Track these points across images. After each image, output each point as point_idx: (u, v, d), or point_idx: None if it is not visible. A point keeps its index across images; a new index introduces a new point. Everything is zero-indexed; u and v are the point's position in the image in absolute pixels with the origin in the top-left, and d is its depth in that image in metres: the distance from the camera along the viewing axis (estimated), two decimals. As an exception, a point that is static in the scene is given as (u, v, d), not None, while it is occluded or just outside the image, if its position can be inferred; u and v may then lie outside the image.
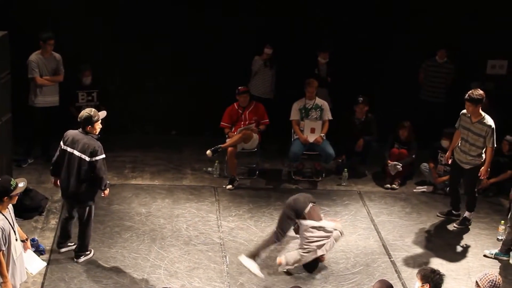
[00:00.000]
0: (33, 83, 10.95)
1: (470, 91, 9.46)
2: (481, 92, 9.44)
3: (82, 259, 8.71)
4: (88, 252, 8.80)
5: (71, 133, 8.48)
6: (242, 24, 12.35)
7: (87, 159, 8.26)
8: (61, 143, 8.50)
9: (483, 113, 9.54)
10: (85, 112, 8.41)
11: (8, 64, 9.72)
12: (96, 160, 8.28)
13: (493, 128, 9.48)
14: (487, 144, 9.54)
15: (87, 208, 8.60)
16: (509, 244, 9.27)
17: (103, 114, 8.56)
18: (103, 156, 8.36)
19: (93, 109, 8.50)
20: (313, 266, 8.90)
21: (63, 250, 8.88)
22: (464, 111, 9.68)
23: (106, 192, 8.63)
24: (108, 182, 8.58)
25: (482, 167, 9.66)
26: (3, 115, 9.60)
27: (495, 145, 9.62)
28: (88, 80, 11.68)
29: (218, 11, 12.27)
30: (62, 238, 8.93)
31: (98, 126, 8.42)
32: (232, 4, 12.28)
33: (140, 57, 12.31)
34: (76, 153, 8.32)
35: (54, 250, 8.91)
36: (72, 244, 8.91)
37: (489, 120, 9.52)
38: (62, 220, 9.02)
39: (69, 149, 8.38)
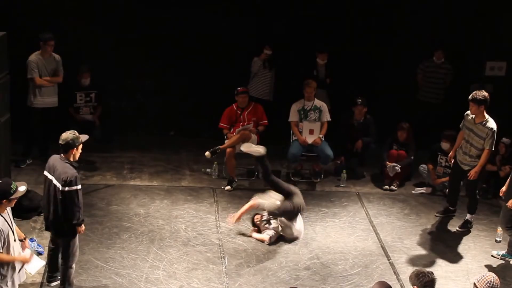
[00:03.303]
0: (32, 83, 10.96)
1: (474, 92, 9.50)
2: (485, 93, 9.46)
3: None
4: None
5: (53, 158, 7.83)
6: (241, 25, 12.35)
7: (61, 188, 7.58)
8: (46, 167, 7.89)
9: (487, 116, 9.56)
10: (68, 134, 7.72)
11: (7, 65, 9.72)
12: (69, 191, 7.56)
13: (494, 131, 9.51)
14: (485, 146, 9.57)
15: (67, 242, 7.85)
16: None
17: (84, 137, 7.92)
18: (78, 187, 7.61)
19: (76, 132, 7.79)
20: None
21: (53, 284, 8.18)
22: (469, 111, 9.71)
23: (81, 229, 7.80)
24: (82, 218, 7.76)
25: (475, 168, 9.70)
26: (2, 115, 9.59)
27: (493, 149, 9.65)
28: (87, 81, 11.68)
29: (218, 12, 12.28)
30: (50, 271, 8.21)
31: (80, 150, 7.79)
32: (232, 5, 12.29)
33: (139, 57, 12.31)
34: (54, 181, 7.70)
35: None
36: None
37: (491, 123, 9.55)
38: (48, 252, 8.24)
39: (49, 176, 7.77)
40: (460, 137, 9.97)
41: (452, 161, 10.17)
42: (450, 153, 10.25)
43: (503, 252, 9.41)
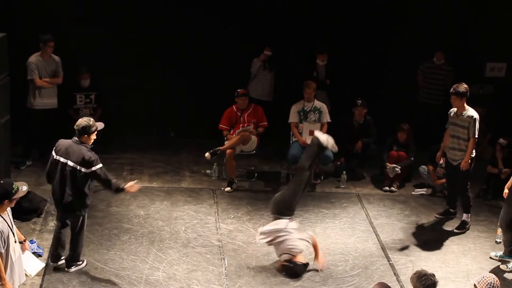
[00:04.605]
0: (32, 84, 10.96)
1: (455, 85, 9.75)
2: (465, 86, 9.72)
3: (73, 268, 8.49)
4: (80, 262, 8.57)
5: (64, 142, 8.22)
6: (241, 26, 12.34)
7: (83, 170, 8.04)
8: (53, 152, 8.25)
9: (467, 106, 9.78)
10: (84, 120, 8.19)
11: (7, 66, 9.72)
12: (95, 170, 8.07)
13: (475, 118, 9.71)
14: (470, 135, 9.72)
15: (81, 218, 8.38)
16: (510, 244, 9.29)
17: (100, 125, 8.34)
18: (101, 165, 8.12)
19: (92, 119, 8.31)
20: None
21: (59, 263, 8.58)
22: (451, 109, 9.91)
23: (131, 187, 8.33)
24: (119, 183, 8.26)
25: (464, 159, 9.79)
26: (2, 117, 9.59)
27: (476, 136, 9.76)
28: (87, 82, 11.68)
29: (218, 12, 12.27)
30: (57, 249, 8.60)
31: (93, 137, 8.22)
32: (232, 5, 12.28)
33: (139, 58, 12.30)
34: (70, 163, 8.07)
35: (52, 251, 8.89)
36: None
37: (471, 111, 9.76)
38: (55, 230, 8.67)
39: (62, 159, 8.13)
40: (446, 136, 10.12)
41: (441, 161, 10.29)
42: (438, 153, 10.36)
43: (501, 253, 9.40)
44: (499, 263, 9.31)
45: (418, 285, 6.26)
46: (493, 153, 11.33)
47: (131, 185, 8.36)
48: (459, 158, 9.91)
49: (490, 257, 9.43)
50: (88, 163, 8.05)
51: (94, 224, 9.59)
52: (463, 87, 9.69)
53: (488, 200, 11.09)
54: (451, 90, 9.76)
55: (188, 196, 10.72)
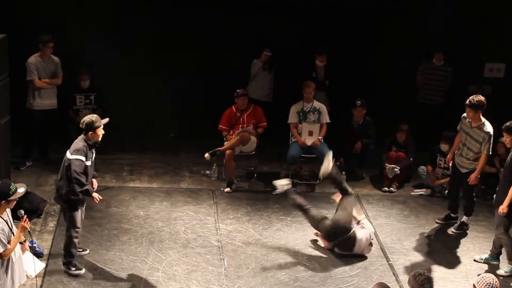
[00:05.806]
0: (32, 85, 10.97)
1: (471, 97, 9.43)
2: (481, 98, 9.41)
3: (70, 271, 8.50)
4: (74, 269, 8.50)
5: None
6: (241, 27, 12.36)
7: (67, 154, 8.26)
8: None
9: (483, 119, 9.51)
10: (87, 117, 8.36)
11: (7, 67, 9.73)
12: (70, 159, 8.16)
13: (490, 135, 9.45)
14: (482, 150, 9.53)
15: (68, 214, 8.42)
16: (498, 247, 9.27)
17: (105, 120, 8.46)
18: (81, 157, 8.13)
19: (95, 115, 8.43)
20: None
21: (83, 253, 8.91)
22: (465, 114, 9.67)
23: (95, 195, 8.33)
24: (87, 188, 8.20)
25: (474, 173, 9.67)
26: (2, 117, 9.61)
27: (490, 153, 9.63)
28: (86, 83, 11.68)
29: (218, 13, 12.28)
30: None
31: (101, 132, 8.35)
32: (232, 6, 12.29)
33: (138, 59, 12.30)
34: (67, 153, 8.33)
35: (52, 252, 8.92)
36: (81, 250, 8.85)
37: (488, 127, 9.49)
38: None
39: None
40: (457, 140, 9.93)
41: (451, 164, 10.15)
42: (448, 156, 10.21)
43: (486, 255, 9.35)
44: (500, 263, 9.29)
45: (414, 285, 6.31)
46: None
47: (96, 196, 8.38)
48: (466, 166, 9.75)
49: (475, 260, 9.38)
50: (73, 150, 8.20)
51: (94, 224, 9.61)
52: (478, 99, 9.34)
53: (487, 200, 11.06)
54: (467, 102, 9.42)
55: (187, 197, 10.74)
